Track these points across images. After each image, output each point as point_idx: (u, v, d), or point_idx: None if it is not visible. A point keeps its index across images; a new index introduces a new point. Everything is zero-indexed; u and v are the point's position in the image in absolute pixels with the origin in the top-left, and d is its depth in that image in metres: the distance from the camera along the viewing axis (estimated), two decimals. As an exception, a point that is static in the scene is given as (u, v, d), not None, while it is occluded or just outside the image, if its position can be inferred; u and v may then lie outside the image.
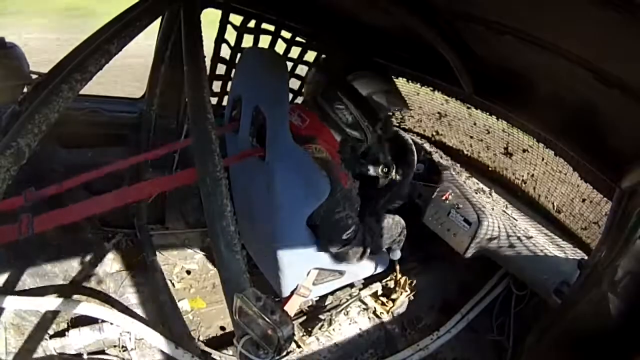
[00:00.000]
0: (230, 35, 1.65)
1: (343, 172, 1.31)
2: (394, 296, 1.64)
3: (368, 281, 1.69)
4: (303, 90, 1.84)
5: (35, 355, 1.18)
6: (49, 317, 1.31)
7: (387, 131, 1.53)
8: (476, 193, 1.59)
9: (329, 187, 1.23)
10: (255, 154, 1.30)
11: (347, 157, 1.46)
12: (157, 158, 1.52)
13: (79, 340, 1.25)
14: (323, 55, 1.79)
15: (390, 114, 1.93)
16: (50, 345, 1.23)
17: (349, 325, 1.56)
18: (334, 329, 1.54)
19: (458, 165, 1.72)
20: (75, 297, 1.38)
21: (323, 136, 1.36)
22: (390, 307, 1.63)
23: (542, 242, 1.48)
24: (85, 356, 1.25)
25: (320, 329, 1.53)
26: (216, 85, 1.79)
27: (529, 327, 1.54)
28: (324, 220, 1.30)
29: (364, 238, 1.42)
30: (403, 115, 2.09)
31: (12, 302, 1.19)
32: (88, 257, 1.65)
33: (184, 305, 1.63)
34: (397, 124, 2.11)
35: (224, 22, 1.60)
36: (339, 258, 1.43)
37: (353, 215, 1.35)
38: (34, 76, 1.37)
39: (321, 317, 1.57)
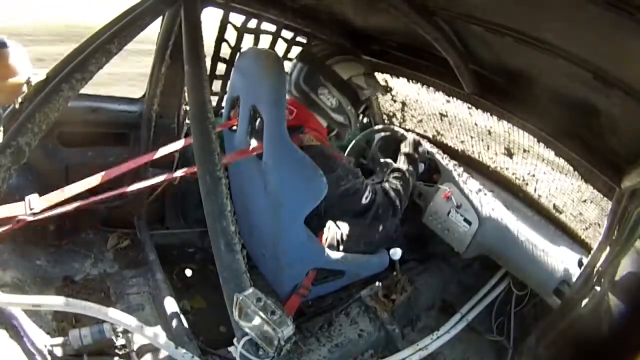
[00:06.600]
0: (230, 35, 1.65)
1: (336, 151, 1.35)
2: (393, 296, 1.64)
3: (368, 281, 1.69)
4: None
5: (35, 356, 1.17)
6: (49, 317, 1.31)
7: (369, 115, 1.56)
8: (477, 193, 1.59)
9: (326, 186, 1.23)
10: (254, 153, 1.30)
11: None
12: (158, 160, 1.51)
13: (79, 340, 1.25)
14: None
15: (374, 97, 1.97)
16: (50, 345, 1.23)
17: (349, 325, 1.56)
18: (334, 329, 1.54)
19: (459, 165, 1.72)
20: (76, 297, 1.37)
21: (310, 124, 1.37)
22: (390, 307, 1.63)
23: (542, 242, 1.48)
24: (85, 356, 1.25)
25: (320, 329, 1.53)
26: (216, 85, 1.79)
27: (529, 327, 1.54)
28: (336, 198, 1.31)
29: (387, 193, 1.44)
30: (404, 115, 2.08)
31: (12, 302, 1.19)
32: (88, 257, 1.64)
33: (184, 305, 1.62)
34: (399, 125, 2.10)
35: (224, 22, 1.60)
36: (376, 230, 1.47)
37: (361, 180, 1.37)
38: (34, 75, 1.37)
39: (321, 317, 1.57)
